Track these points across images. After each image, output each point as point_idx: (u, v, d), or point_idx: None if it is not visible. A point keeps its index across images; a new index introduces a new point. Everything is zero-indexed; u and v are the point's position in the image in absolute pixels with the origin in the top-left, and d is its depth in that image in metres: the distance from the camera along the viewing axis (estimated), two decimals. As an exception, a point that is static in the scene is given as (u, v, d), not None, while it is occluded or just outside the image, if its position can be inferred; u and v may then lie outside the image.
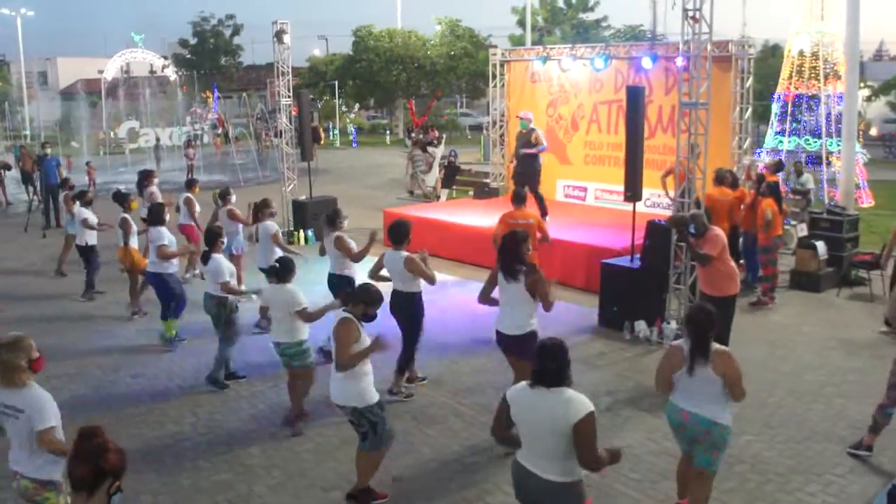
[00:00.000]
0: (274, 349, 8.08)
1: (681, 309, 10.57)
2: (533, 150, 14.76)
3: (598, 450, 4.62)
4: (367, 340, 6.32)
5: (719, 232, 9.05)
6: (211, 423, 8.21)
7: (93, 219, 12.86)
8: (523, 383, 4.84)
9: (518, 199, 11.01)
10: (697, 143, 10.20)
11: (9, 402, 4.90)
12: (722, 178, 12.15)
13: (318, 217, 16.03)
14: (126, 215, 11.88)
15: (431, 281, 8.49)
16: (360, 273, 9.49)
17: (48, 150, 20.98)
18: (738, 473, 6.93)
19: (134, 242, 11.89)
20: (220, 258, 9.08)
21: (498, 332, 7.55)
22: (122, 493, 3.67)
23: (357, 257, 9.61)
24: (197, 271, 13.56)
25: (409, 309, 8.61)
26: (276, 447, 7.63)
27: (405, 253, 8.49)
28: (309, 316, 7.82)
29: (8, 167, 24.83)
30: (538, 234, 10.65)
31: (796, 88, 20.55)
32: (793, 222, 14.91)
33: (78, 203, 13.18)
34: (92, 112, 42.63)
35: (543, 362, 4.70)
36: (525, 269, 7.28)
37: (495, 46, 24.79)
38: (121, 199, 12.31)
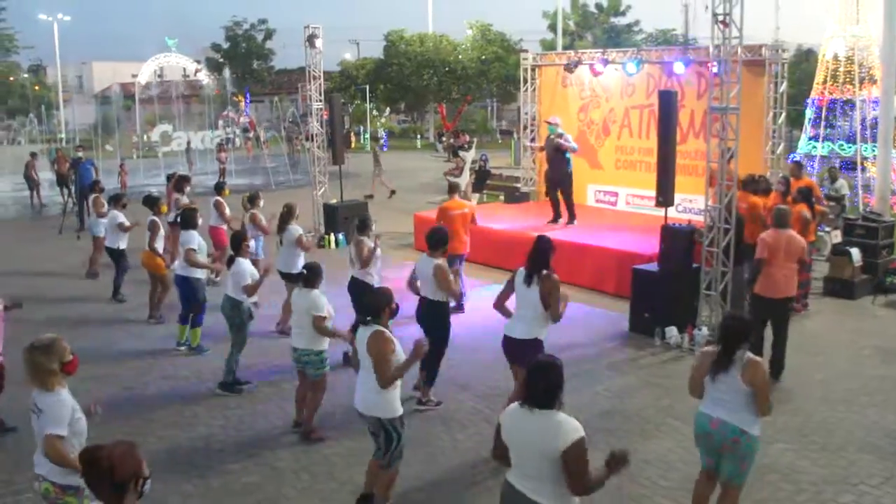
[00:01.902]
0: (291, 353, 8.01)
1: (712, 316, 10.48)
2: (569, 146, 15.02)
3: (590, 473, 4.35)
4: (401, 352, 6.19)
5: (765, 235, 9.11)
6: (240, 426, 8.25)
7: (126, 223, 12.92)
8: (516, 403, 4.56)
9: (451, 191, 12.66)
10: (728, 148, 10.10)
11: (37, 400, 4.94)
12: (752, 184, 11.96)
13: (349, 220, 16.10)
14: (155, 218, 11.88)
15: (456, 297, 8.63)
16: (377, 281, 9.59)
17: (81, 154, 21.26)
18: (769, 483, 6.84)
19: (159, 245, 11.80)
20: (243, 262, 8.98)
21: (505, 337, 7.60)
22: (149, 479, 3.61)
23: (364, 263, 9.72)
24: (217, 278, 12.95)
25: (436, 319, 8.55)
26: (306, 450, 7.65)
27: (438, 260, 8.45)
28: (323, 328, 7.64)
29: (34, 154, 25.33)
30: (471, 221, 12.10)
31: (831, 93, 20.37)
32: (827, 228, 14.73)
33: (112, 207, 13.24)
34: (126, 115, 43.17)
35: (534, 381, 4.44)
36: (543, 275, 7.28)
37: (526, 51, 24.80)
38: (151, 202, 12.37)
